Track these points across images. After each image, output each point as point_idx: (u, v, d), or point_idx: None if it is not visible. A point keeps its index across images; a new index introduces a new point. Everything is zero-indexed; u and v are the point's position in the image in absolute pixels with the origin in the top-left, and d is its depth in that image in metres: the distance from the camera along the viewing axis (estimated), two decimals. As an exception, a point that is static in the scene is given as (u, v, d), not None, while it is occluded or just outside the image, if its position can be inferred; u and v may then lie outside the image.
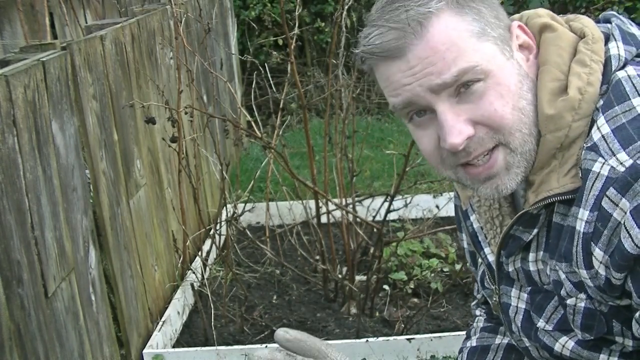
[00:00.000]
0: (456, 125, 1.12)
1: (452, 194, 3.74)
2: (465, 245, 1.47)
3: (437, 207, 3.72)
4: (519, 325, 1.30)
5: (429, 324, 2.94)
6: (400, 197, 3.48)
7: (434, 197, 3.79)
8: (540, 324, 1.25)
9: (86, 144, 2.32)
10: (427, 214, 3.75)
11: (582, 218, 1.09)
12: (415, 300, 3.10)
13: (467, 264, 1.50)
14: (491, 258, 1.33)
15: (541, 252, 1.21)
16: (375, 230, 3.19)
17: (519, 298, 1.29)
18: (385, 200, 3.26)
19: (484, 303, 1.57)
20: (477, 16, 1.13)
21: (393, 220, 3.66)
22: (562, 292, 1.18)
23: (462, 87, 1.11)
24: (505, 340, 1.49)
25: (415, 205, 3.75)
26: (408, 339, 2.66)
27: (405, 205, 3.61)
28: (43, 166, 1.95)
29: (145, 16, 3.03)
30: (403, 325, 2.88)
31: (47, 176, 1.97)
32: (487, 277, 1.37)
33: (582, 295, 1.16)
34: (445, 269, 3.24)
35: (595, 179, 1.07)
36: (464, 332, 1.60)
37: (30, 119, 1.89)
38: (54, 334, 1.95)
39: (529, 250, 1.23)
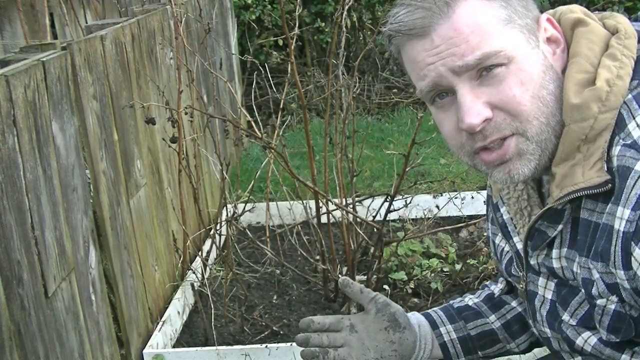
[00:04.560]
0: (474, 107, 1.13)
1: (452, 194, 3.78)
2: (490, 235, 1.48)
3: (437, 207, 3.71)
4: (544, 315, 1.30)
5: (429, 324, 2.93)
6: (400, 197, 3.48)
7: (434, 197, 3.79)
8: (565, 317, 1.24)
9: (86, 144, 2.32)
10: (427, 214, 3.74)
11: (621, 217, 1.07)
12: (415, 300, 3.10)
13: (491, 253, 1.51)
14: (520, 246, 1.33)
15: (565, 249, 1.21)
16: (375, 230, 3.19)
17: (545, 287, 1.29)
18: (385, 200, 3.25)
19: (507, 293, 1.56)
20: (504, 3, 1.14)
21: (393, 220, 3.66)
22: (594, 291, 1.17)
23: (484, 70, 1.13)
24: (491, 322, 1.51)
25: (415, 205, 3.75)
26: (408, 339, 2.66)
27: (405, 205, 3.59)
28: (43, 166, 1.95)
29: (145, 16, 3.03)
30: (403, 325, 2.87)
31: (47, 176, 1.97)
32: (514, 264, 1.37)
33: (614, 298, 1.14)
34: (445, 269, 3.24)
35: (638, 177, 1.06)
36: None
37: (31, 119, 1.89)
38: (54, 334, 1.95)
39: (552, 247, 1.23)
